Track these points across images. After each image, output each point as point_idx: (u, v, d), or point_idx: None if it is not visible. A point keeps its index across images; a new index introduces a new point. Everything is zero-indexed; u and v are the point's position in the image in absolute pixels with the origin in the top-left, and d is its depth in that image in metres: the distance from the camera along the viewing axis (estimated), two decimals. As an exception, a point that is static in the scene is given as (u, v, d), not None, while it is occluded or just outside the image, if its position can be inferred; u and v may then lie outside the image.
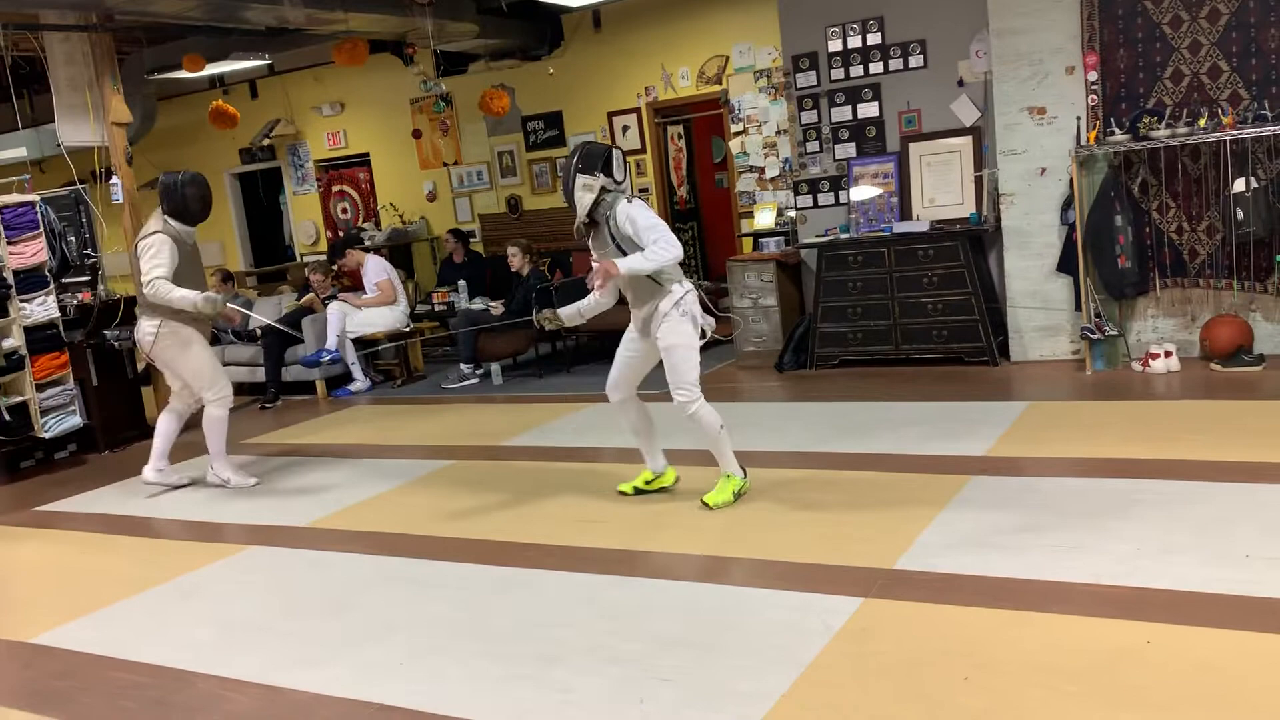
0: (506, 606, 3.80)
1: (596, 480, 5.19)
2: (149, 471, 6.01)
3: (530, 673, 3.22)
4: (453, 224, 10.68)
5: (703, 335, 4.54)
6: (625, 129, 9.80)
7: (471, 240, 10.40)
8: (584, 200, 4.42)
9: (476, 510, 5.04)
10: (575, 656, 3.29)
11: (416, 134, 10.60)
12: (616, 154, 4.50)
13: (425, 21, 8.11)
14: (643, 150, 9.78)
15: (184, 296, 5.51)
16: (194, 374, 5.78)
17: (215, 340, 9.23)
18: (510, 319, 8.29)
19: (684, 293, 4.48)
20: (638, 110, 9.71)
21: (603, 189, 4.42)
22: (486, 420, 7.12)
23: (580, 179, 4.42)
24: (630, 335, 4.69)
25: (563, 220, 10.28)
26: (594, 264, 4.53)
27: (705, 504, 4.55)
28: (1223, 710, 2.58)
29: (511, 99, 9.77)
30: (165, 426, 6.02)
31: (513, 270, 8.48)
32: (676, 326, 4.45)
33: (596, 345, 9.07)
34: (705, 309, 4.57)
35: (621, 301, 4.76)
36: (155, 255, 5.54)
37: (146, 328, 5.68)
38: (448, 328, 8.90)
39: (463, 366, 8.46)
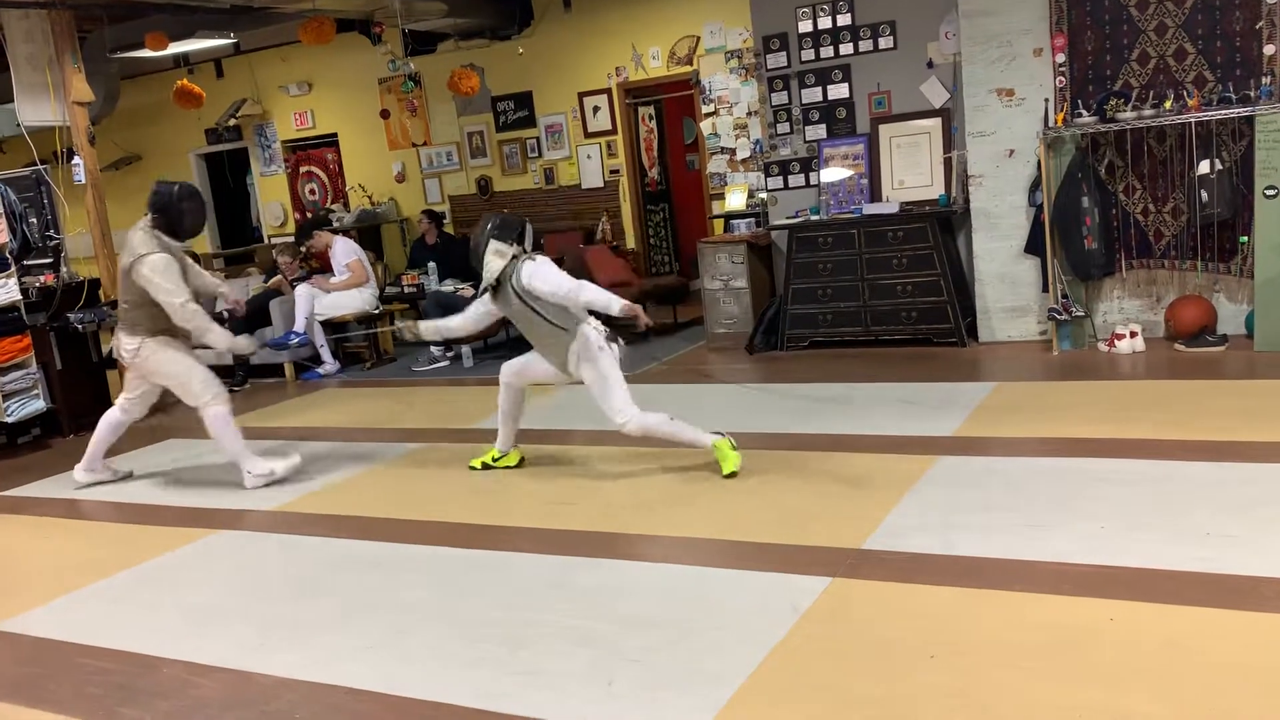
0: (476, 589, 3.79)
1: (567, 463, 5.19)
2: (79, 472, 5.84)
3: (499, 655, 3.23)
4: (422, 205, 10.60)
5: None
6: (596, 109, 9.76)
7: (444, 222, 10.33)
8: (493, 266, 4.72)
9: (447, 493, 5.02)
10: (544, 638, 3.30)
11: (385, 114, 10.50)
12: (529, 227, 4.84)
13: (393, 0, 8.02)
14: (614, 131, 9.75)
15: (222, 336, 5.35)
16: (181, 384, 5.46)
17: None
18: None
19: (591, 331, 4.75)
20: (608, 91, 9.67)
21: (513, 256, 4.72)
22: (457, 403, 7.10)
23: (494, 245, 4.71)
24: (550, 366, 4.98)
25: (534, 201, 10.25)
26: (485, 307, 4.96)
27: (728, 475, 4.63)
28: (1184, 685, 2.62)
29: (481, 79, 9.69)
30: (104, 431, 5.76)
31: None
32: (592, 364, 4.72)
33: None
34: (610, 337, 4.83)
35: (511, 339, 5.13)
36: (168, 278, 5.18)
37: (127, 344, 5.41)
38: (418, 310, 8.84)
39: (433, 349, 8.42)
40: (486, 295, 4.90)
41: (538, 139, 10.10)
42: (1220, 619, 2.93)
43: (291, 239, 10.09)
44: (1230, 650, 2.76)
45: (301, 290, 8.59)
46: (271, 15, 8.35)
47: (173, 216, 5.33)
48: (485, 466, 5.22)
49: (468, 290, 8.35)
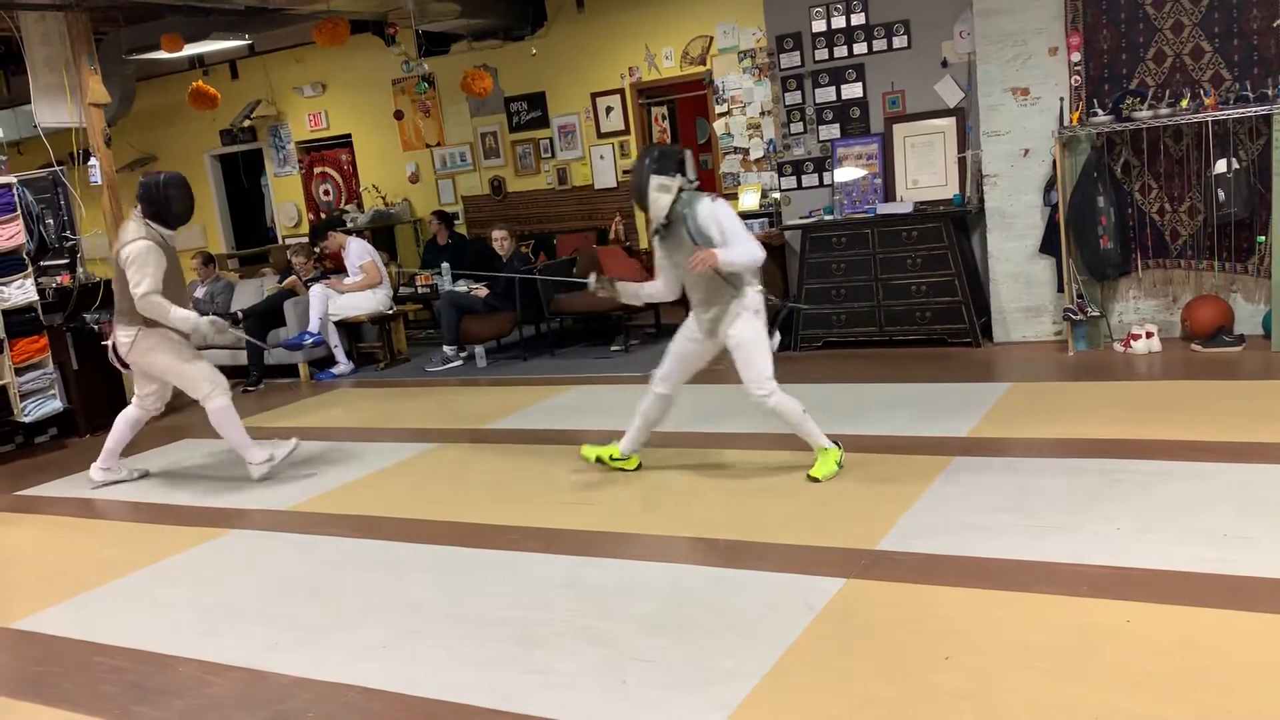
0: (488, 589, 3.79)
1: (579, 463, 5.18)
2: (95, 470, 5.85)
3: (512, 654, 3.22)
4: (435, 205, 10.61)
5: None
6: (609, 110, 9.75)
7: (455, 222, 10.34)
8: (662, 201, 4.40)
9: (459, 493, 5.03)
10: (557, 638, 3.29)
11: (398, 115, 10.52)
12: (688, 154, 4.54)
13: (407, 1, 8.04)
14: (626, 132, 9.74)
15: (185, 318, 5.31)
16: (178, 376, 5.53)
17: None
18: (492, 302, 8.27)
19: (756, 294, 4.50)
20: (621, 91, 9.66)
21: (679, 189, 4.41)
22: (470, 403, 7.10)
23: (656, 180, 4.39)
24: (690, 334, 4.69)
25: (546, 202, 10.25)
26: (657, 256, 4.62)
27: (812, 477, 4.49)
28: (1200, 687, 2.59)
29: (494, 80, 9.70)
30: (122, 428, 5.78)
31: (499, 253, 8.44)
32: (749, 323, 4.46)
33: (580, 328, 9.07)
34: (770, 325, 4.58)
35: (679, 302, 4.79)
36: (142, 266, 5.22)
37: (122, 336, 5.44)
38: (431, 310, 8.85)
39: (446, 349, 8.43)
40: (658, 241, 4.58)
41: (551, 139, 10.10)
42: (1238, 621, 2.90)
43: (306, 240, 10.12)
44: (1249, 652, 2.73)
45: (315, 291, 8.62)
46: (286, 17, 8.37)
47: (159, 204, 5.34)
48: (599, 461, 4.94)
49: (481, 290, 8.36)
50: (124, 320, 5.42)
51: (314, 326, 8.58)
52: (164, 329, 5.39)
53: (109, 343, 5.65)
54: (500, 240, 8.44)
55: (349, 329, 8.83)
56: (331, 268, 9.17)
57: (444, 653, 3.31)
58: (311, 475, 5.60)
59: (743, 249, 4.35)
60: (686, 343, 4.72)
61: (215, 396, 5.48)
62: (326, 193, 11.65)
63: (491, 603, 3.66)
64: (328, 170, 11.61)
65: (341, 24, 8.38)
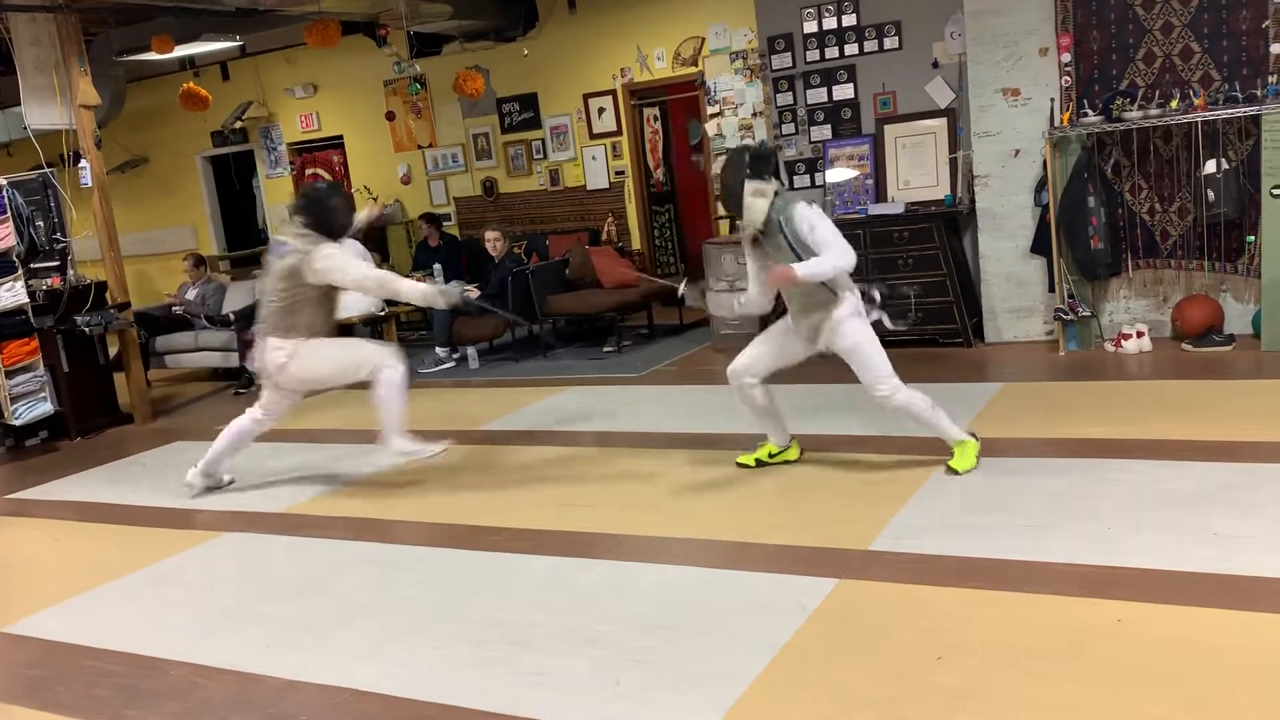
0: (481, 590, 3.79)
1: (572, 464, 5.19)
2: (196, 477, 5.46)
3: (504, 656, 3.22)
4: (427, 207, 10.61)
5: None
6: (601, 111, 9.75)
7: (446, 224, 10.33)
8: (758, 207, 4.24)
9: (451, 495, 5.02)
10: (549, 640, 3.30)
11: (390, 116, 10.51)
12: (780, 155, 4.41)
13: (398, 2, 8.03)
14: (619, 133, 9.74)
15: (414, 288, 5.08)
16: (347, 366, 5.17)
17: (188, 325, 9.22)
18: (487, 303, 8.25)
19: (853, 298, 4.38)
20: (613, 92, 9.66)
21: (775, 193, 4.27)
22: (463, 405, 7.10)
23: (752, 185, 4.23)
24: (787, 330, 4.57)
25: (539, 203, 10.24)
26: (751, 265, 4.50)
27: (952, 469, 4.40)
28: (1192, 686, 2.61)
29: (486, 81, 9.69)
30: (233, 438, 5.37)
31: (491, 254, 8.44)
32: (855, 327, 4.35)
33: (573, 330, 9.07)
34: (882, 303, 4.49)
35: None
36: (344, 264, 4.95)
37: (278, 349, 5.02)
38: (424, 312, 8.84)
39: (439, 350, 8.42)
40: (749, 249, 4.44)
41: (543, 140, 10.10)
42: (1229, 620, 2.92)
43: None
44: (1239, 651, 2.75)
45: (307, 292, 8.59)
46: (277, 18, 8.36)
47: (325, 215, 5.03)
48: (760, 463, 4.77)
49: (474, 291, 8.34)
50: (282, 331, 5.03)
51: (306, 328, 8.55)
52: (309, 336, 5.07)
53: (255, 357, 5.18)
54: (493, 241, 8.44)
55: (341, 331, 8.80)
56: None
57: (437, 655, 3.31)
58: (305, 477, 5.59)
59: (829, 258, 4.16)
60: (783, 336, 4.57)
61: (388, 366, 5.10)
62: (318, 194, 11.62)
63: (484, 604, 3.66)
64: (319, 172, 11.58)
65: (333, 25, 8.37)
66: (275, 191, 11.90)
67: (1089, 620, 2.99)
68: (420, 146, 10.78)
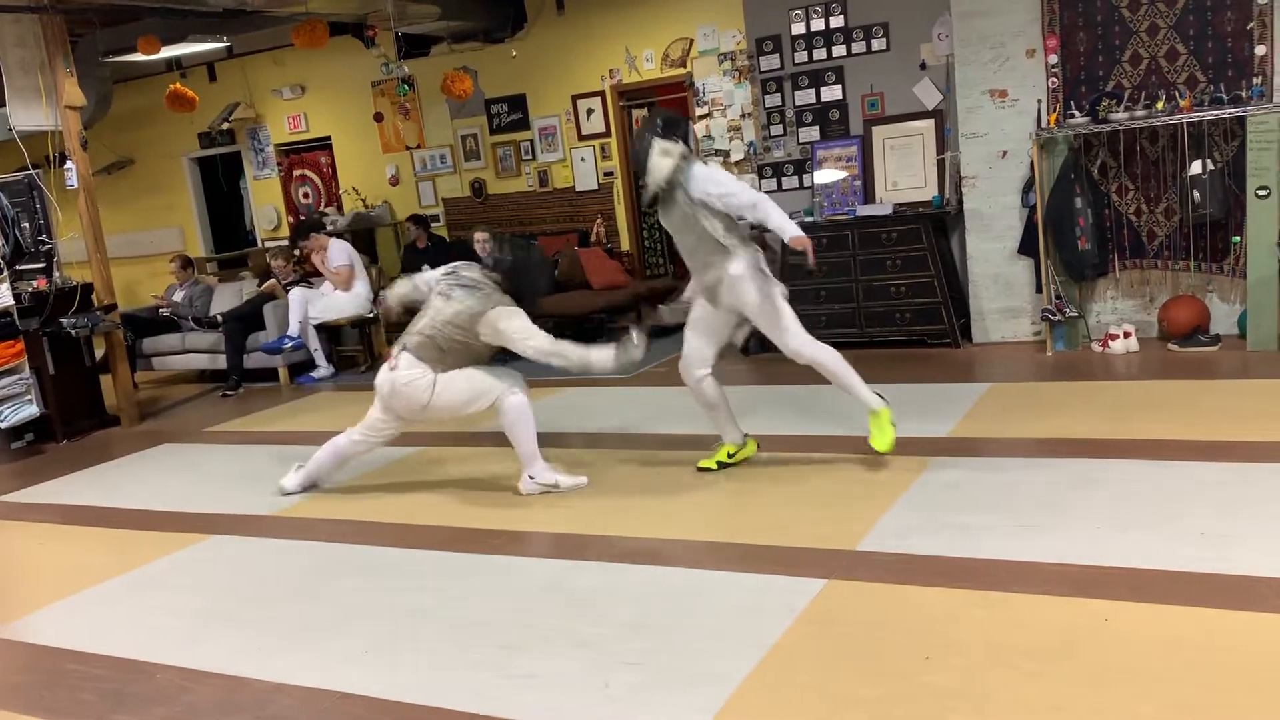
0: (470, 593, 3.78)
1: (562, 466, 5.17)
2: (291, 481, 5.28)
3: (493, 659, 3.22)
4: (416, 208, 10.58)
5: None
6: (590, 112, 9.74)
7: (434, 225, 10.32)
8: (662, 167, 4.35)
9: (441, 497, 5.01)
10: (539, 642, 3.29)
11: (378, 117, 10.47)
12: (692, 124, 4.52)
13: (386, 3, 8.01)
14: (607, 134, 9.73)
15: (585, 356, 4.77)
16: (474, 397, 4.84)
17: (176, 327, 9.17)
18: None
19: (751, 253, 4.45)
20: (602, 93, 9.65)
21: (682, 156, 4.38)
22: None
23: (659, 144, 4.36)
24: (700, 306, 4.65)
25: (528, 204, 10.23)
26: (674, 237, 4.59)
27: (875, 449, 4.46)
28: (1180, 686, 2.62)
29: (474, 82, 9.68)
30: (329, 459, 5.20)
31: (481, 256, 8.41)
32: (752, 283, 4.41)
33: (561, 332, 9.04)
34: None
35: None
36: (527, 326, 4.76)
37: (408, 372, 4.80)
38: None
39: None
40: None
41: (532, 141, 10.09)
42: (1216, 619, 2.93)
43: (285, 242, 10.07)
44: (1227, 650, 2.76)
45: (295, 294, 8.58)
46: (264, 19, 8.33)
47: (522, 281, 4.86)
48: (721, 465, 4.79)
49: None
50: (419, 358, 4.80)
51: (294, 330, 8.54)
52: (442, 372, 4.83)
53: (385, 369, 4.93)
54: (482, 242, 8.42)
55: (329, 332, 8.79)
56: (311, 270, 9.13)
57: (426, 657, 3.30)
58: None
59: (764, 207, 4.30)
60: (701, 314, 4.66)
61: (512, 393, 4.83)
62: (306, 195, 11.60)
63: (474, 607, 3.65)
64: (307, 173, 11.56)
65: (320, 26, 8.34)
66: (263, 193, 11.86)
67: (1078, 620, 3.00)
68: (408, 148, 10.76)
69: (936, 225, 6.98)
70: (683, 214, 4.41)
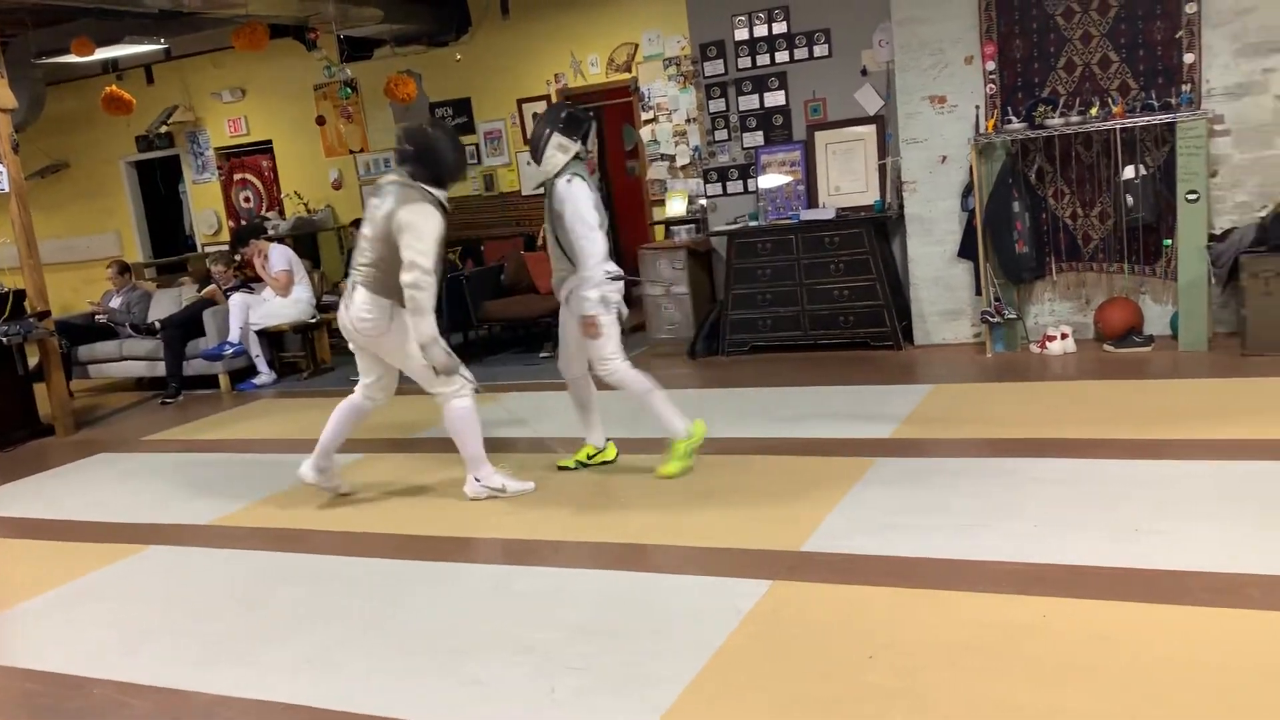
0: (414, 600, 3.76)
1: (509, 470, 5.15)
2: (308, 470, 4.95)
3: (439, 666, 3.20)
4: (359, 212, 10.47)
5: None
6: (535, 116, 9.73)
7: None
8: (554, 161, 4.55)
9: (385, 504, 4.97)
10: (484, 648, 3.28)
11: (320, 120, 10.38)
12: (593, 127, 4.64)
13: (328, 6, 7.93)
14: (553, 138, 9.72)
15: (431, 329, 4.47)
16: (414, 371, 4.69)
17: (113, 334, 8.99)
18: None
19: (599, 274, 4.57)
20: (548, 97, 9.65)
21: (575, 156, 4.56)
22: (397, 412, 6.99)
23: (558, 139, 4.53)
24: (564, 309, 4.85)
25: (475, 209, 10.18)
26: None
27: (663, 476, 4.69)
28: (1116, 679, 2.68)
29: (419, 85, 9.62)
30: (341, 420, 4.89)
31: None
32: (590, 304, 4.58)
33: (509, 336, 9.03)
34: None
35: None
36: (425, 234, 4.38)
37: (366, 311, 4.54)
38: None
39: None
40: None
41: (477, 145, 10.05)
42: (1149, 613, 3.00)
43: (226, 248, 9.92)
44: (1160, 644, 2.83)
45: (236, 300, 8.46)
46: (202, 20, 8.21)
47: (433, 156, 4.51)
48: (580, 465, 5.01)
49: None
50: (373, 291, 4.54)
51: (234, 336, 8.42)
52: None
53: (343, 311, 4.69)
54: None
55: (271, 338, 8.68)
56: (252, 276, 9.00)
57: (371, 666, 3.27)
58: (235, 488, 5.49)
59: (586, 264, 4.52)
60: (565, 318, 4.85)
61: (460, 395, 4.69)
62: (247, 200, 11.44)
63: (419, 614, 3.62)
64: (248, 177, 11.40)
65: (260, 28, 8.24)
66: (203, 197, 11.67)
67: (1016, 617, 3.06)
68: (351, 151, 10.66)
69: (878, 229, 7.07)
70: (553, 212, 4.61)
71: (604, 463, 5.04)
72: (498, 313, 8.38)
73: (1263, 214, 5.89)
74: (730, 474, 4.72)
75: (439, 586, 3.85)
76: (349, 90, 9.37)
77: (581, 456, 5.05)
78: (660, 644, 3.15)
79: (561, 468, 5.06)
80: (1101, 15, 6.24)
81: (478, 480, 4.79)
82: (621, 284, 4.68)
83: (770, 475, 4.63)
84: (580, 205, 4.50)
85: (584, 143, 4.60)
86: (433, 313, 4.48)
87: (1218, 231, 6.05)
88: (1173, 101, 6.06)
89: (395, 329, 4.58)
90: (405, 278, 4.38)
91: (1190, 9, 6.01)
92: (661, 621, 3.31)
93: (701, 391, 6.57)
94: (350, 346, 4.83)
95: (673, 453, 4.72)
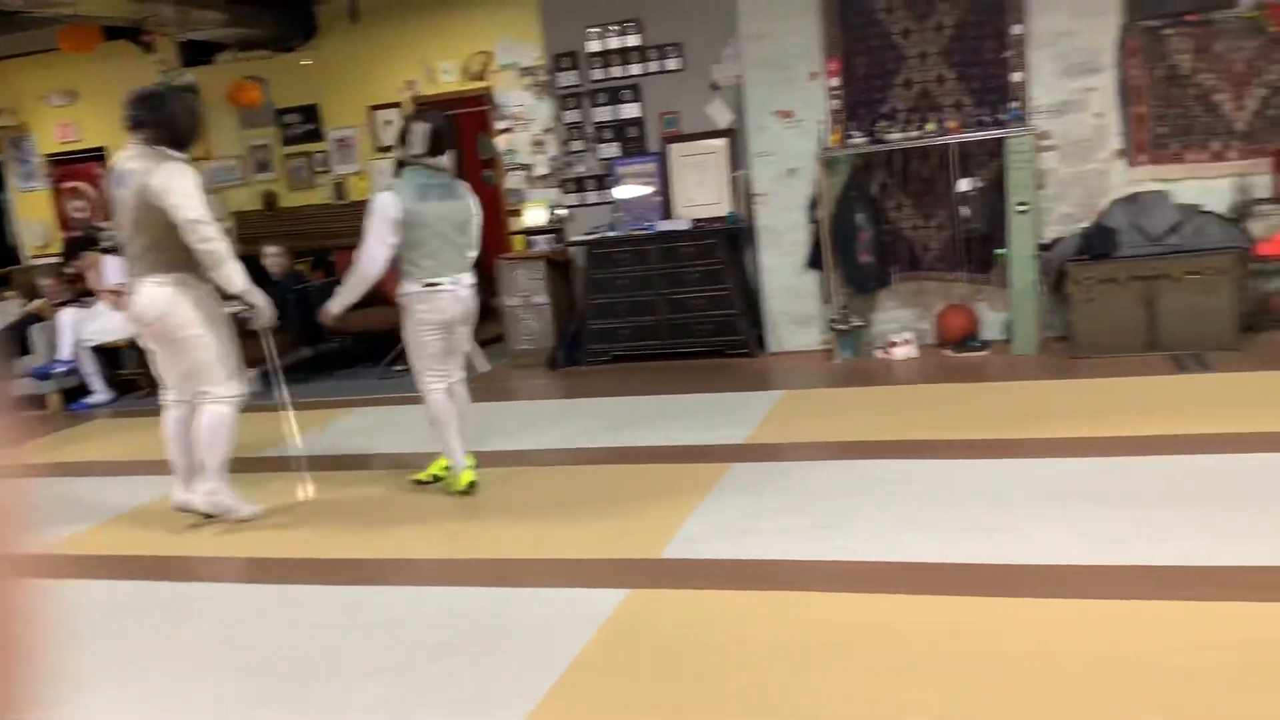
0: (263, 625, 3.62)
1: (360, 488, 5.04)
2: (199, 498, 4.62)
3: (287, 693, 3.09)
4: (203, 223, 10.07)
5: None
6: (388, 124, 9.54)
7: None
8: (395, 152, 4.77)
9: (231, 527, 4.77)
10: (338, 672, 3.18)
11: (159, 127, 9.92)
12: (422, 130, 4.59)
13: (166, 7, 7.61)
14: (406, 147, 9.57)
15: (241, 277, 4.24)
16: (207, 356, 4.39)
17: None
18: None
19: (415, 287, 4.74)
20: (400, 104, 9.48)
21: (401, 162, 4.68)
22: (243, 430, 6.74)
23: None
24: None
25: (324, 218, 9.91)
26: None
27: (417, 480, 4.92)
28: (962, 671, 2.79)
29: (265, 91, 9.32)
30: (180, 439, 4.58)
31: (271, 272, 8.09)
32: (406, 317, 4.79)
33: (362, 349, 8.81)
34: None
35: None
36: (188, 189, 4.14)
37: (160, 287, 4.24)
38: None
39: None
40: None
41: (326, 153, 9.79)
42: (991, 607, 3.13)
43: (56, 259, 9.38)
44: (1000, 636, 2.96)
45: (66, 315, 8.01)
46: (25, 20, 7.75)
47: (169, 119, 4.31)
48: (435, 479, 4.96)
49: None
50: (159, 265, 4.27)
51: (65, 353, 7.96)
52: (198, 279, 4.32)
53: (131, 307, 4.39)
54: (273, 257, 8.10)
55: (107, 355, 8.24)
56: (84, 290, 8.53)
57: (217, 698, 3.13)
58: (68, 514, 5.18)
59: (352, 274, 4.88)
60: None
61: (228, 402, 4.46)
62: (80, 209, 10.84)
63: (266, 640, 3.49)
64: (80, 185, 10.81)
65: (90, 29, 7.84)
66: (29, 206, 11.01)
67: (865, 615, 3.15)
68: (193, 159, 10.24)
69: (732, 240, 7.21)
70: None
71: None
72: (353, 325, 8.16)
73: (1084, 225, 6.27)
74: (588, 484, 4.73)
75: (287, 610, 3.72)
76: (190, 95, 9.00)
77: (437, 470, 4.98)
78: (516, 659, 3.12)
79: (416, 481, 4.98)
80: (937, 34, 6.53)
81: (211, 494, 4.59)
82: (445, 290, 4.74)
83: (630, 483, 4.65)
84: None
85: (403, 144, 4.67)
86: (236, 259, 4.34)
87: (1046, 241, 6.41)
88: (1003, 118, 6.39)
89: (188, 300, 4.34)
90: (191, 237, 4.17)
91: (1017, 30, 6.36)
92: (519, 636, 3.28)
93: (561, 402, 6.57)
94: (148, 355, 4.62)
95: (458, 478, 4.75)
